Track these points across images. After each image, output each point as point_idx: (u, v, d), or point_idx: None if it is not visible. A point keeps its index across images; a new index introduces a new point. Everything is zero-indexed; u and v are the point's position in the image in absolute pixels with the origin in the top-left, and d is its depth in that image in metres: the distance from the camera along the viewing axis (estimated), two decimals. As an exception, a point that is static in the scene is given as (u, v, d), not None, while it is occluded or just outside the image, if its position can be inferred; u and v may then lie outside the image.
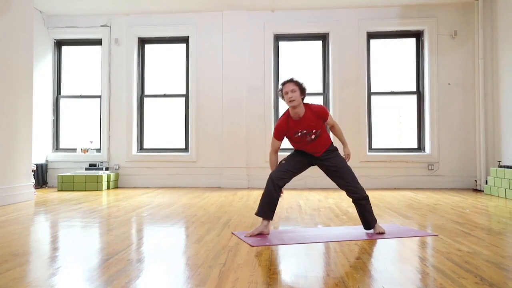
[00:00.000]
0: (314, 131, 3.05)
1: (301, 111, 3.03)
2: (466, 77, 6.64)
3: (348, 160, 3.21)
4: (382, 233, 3.08)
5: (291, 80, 3.05)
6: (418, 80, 6.94)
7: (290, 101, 2.97)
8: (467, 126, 6.62)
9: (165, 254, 2.56)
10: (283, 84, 3.06)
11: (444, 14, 6.72)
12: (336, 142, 3.40)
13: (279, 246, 2.74)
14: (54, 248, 2.76)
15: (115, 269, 2.21)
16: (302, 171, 3.20)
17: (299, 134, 3.06)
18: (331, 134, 3.48)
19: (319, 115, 3.06)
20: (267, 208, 3.06)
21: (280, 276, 2.11)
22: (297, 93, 2.98)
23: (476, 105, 6.48)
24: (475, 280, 2.02)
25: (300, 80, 3.07)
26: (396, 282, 2.00)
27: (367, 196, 3.13)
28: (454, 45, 6.69)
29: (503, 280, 2.03)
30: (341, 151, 3.27)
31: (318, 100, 6.92)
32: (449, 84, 6.68)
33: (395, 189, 6.55)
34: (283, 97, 3.04)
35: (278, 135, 3.13)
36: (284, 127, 3.08)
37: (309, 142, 3.10)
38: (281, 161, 3.19)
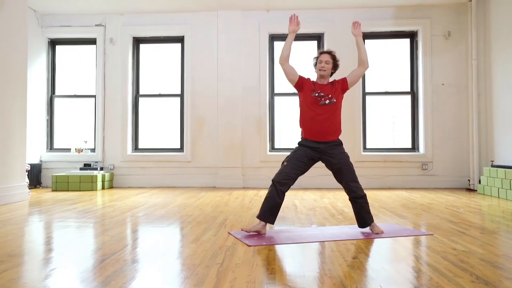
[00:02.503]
0: (330, 96, 3.14)
1: (326, 81, 3.23)
2: (460, 78, 6.70)
3: (356, 27, 3.32)
4: (380, 233, 3.09)
5: (329, 52, 3.23)
6: (412, 81, 6.98)
7: (320, 70, 3.18)
8: (461, 126, 6.68)
9: (162, 254, 2.56)
10: (321, 53, 3.24)
11: (438, 15, 6.77)
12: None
13: (276, 246, 2.75)
14: (50, 249, 2.74)
15: (112, 269, 2.21)
16: (305, 171, 3.19)
17: (316, 94, 3.14)
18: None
19: (339, 84, 3.21)
20: (269, 213, 3.07)
21: (278, 275, 2.12)
22: (330, 66, 3.19)
23: (470, 105, 6.54)
24: (471, 278, 2.04)
25: (337, 57, 3.26)
26: (393, 281, 2.01)
27: (365, 195, 3.15)
28: (447, 45, 6.74)
29: (498, 278, 2.05)
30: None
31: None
32: (442, 84, 6.73)
33: (390, 188, 6.59)
34: (315, 65, 3.24)
35: (302, 78, 3.22)
36: (307, 79, 3.23)
37: (324, 110, 3.10)
38: (283, 162, 3.18)
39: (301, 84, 3.21)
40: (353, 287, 1.92)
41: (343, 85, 3.24)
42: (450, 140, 6.69)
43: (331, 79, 3.29)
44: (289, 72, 3.23)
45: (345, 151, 3.21)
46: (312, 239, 2.93)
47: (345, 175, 3.12)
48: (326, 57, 3.19)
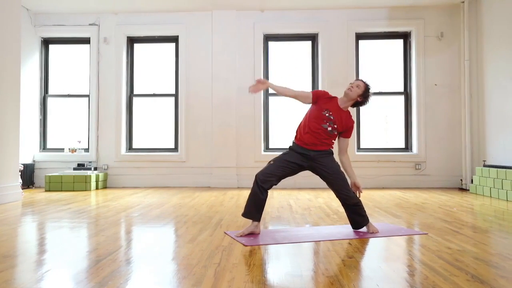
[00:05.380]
0: (335, 126, 3.11)
1: (345, 106, 3.17)
2: (452, 78, 6.76)
3: (359, 193, 3.18)
4: (376, 232, 3.12)
5: (366, 84, 3.18)
6: (406, 81, 7.03)
7: (348, 89, 3.14)
8: (453, 126, 6.74)
9: (159, 254, 2.56)
10: (357, 79, 3.22)
11: (431, 16, 6.82)
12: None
13: (273, 246, 2.76)
14: (44, 250, 2.73)
15: (109, 270, 2.20)
16: (291, 175, 3.16)
17: (327, 114, 3.11)
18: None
19: (348, 122, 3.16)
20: (253, 210, 3.05)
21: (275, 275, 2.13)
22: (358, 91, 3.13)
23: (462, 105, 6.60)
24: (466, 277, 2.06)
25: (371, 91, 3.20)
26: (389, 280, 2.03)
27: (359, 201, 3.15)
28: (440, 46, 6.80)
29: (493, 277, 2.08)
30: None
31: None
32: (435, 85, 6.79)
33: (383, 188, 6.63)
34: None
35: (316, 93, 3.19)
36: (327, 95, 3.18)
37: (321, 130, 3.08)
38: (269, 161, 3.17)
39: (316, 99, 3.17)
40: (350, 286, 1.93)
41: (345, 131, 3.19)
42: (443, 140, 6.75)
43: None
44: (300, 97, 3.18)
45: (335, 160, 3.19)
46: (308, 239, 2.95)
47: (336, 184, 3.11)
48: (360, 83, 3.15)
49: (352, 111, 6.82)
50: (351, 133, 3.24)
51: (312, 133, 3.09)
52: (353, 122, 3.23)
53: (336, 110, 3.13)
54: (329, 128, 3.10)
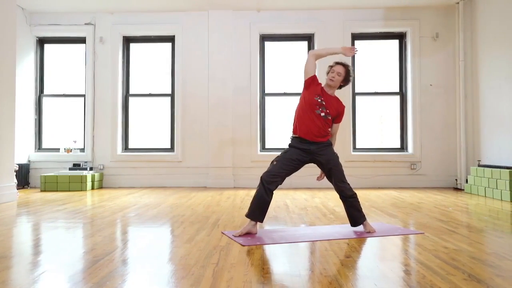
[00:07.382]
0: (328, 111, 3.16)
1: (332, 93, 3.23)
2: (447, 79, 6.80)
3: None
4: (373, 232, 3.13)
5: (345, 66, 3.21)
6: (401, 81, 7.06)
7: (330, 79, 3.19)
8: (448, 126, 6.78)
9: (157, 254, 2.56)
10: (337, 63, 3.23)
11: (426, 16, 6.86)
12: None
13: (270, 245, 2.76)
14: (40, 251, 2.71)
15: (107, 270, 2.20)
16: (295, 171, 3.19)
17: (319, 99, 3.16)
18: None
19: (339, 107, 3.23)
20: (258, 211, 3.08)
21: (273, 275, 2.14)
22: (340, 78, 3.19)
23: (457, 105, 6.64)
24: (463, 276, 2.08)
25: (352, 72, 3.26)
26: (387, 279, 2.04)
27: (354, 194, 3.19)
28: (435, 47, 6.84)
29: (489, 276, 2.10)
30: None
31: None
32: (431, 85, 6.82)
33: (379, 188, 6.65)
34: (328, 73, 3.24)
35: (315, 77, 3.24)
36: (318, 83, 3.22)
37: (317, 118, 3.12)
38: (272, 162, 3.19)
39: (310, 83, 3.22)
40: (348, 286, 1.94)
41: (337, 116, 3.23)
42: (438, 140, 6.79)
43: (339, 93, 3.27)
44: (310, 65, 3.25)
45: (335, 152, 3.24)
46: (305, 239, 2.96)
47: (334, 175, 3.16)
48: (339, 69, 3.18)
49: (347, 111, 6.84)
50: (342, 118, 3.29)
51: (309, 121, 3.13)
52: (344, 106, 3.29)
53: (326, 96, 3.20)
54: (322, 114, 3.14)
